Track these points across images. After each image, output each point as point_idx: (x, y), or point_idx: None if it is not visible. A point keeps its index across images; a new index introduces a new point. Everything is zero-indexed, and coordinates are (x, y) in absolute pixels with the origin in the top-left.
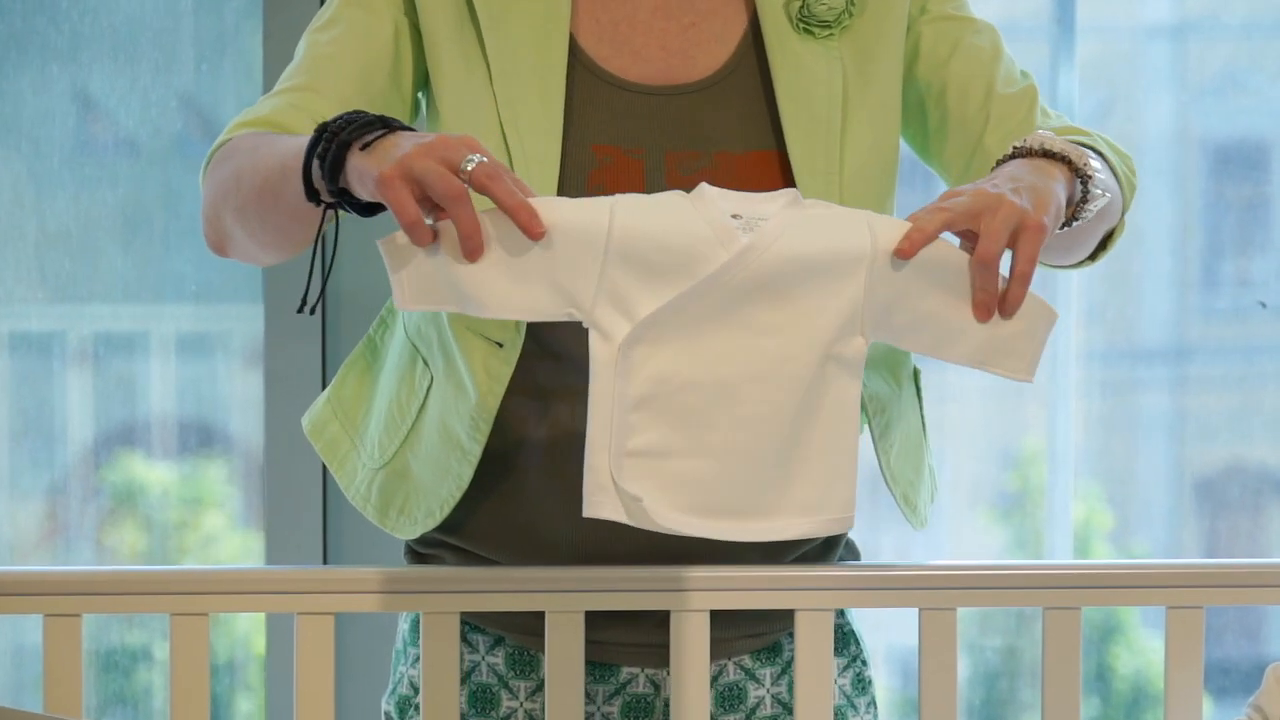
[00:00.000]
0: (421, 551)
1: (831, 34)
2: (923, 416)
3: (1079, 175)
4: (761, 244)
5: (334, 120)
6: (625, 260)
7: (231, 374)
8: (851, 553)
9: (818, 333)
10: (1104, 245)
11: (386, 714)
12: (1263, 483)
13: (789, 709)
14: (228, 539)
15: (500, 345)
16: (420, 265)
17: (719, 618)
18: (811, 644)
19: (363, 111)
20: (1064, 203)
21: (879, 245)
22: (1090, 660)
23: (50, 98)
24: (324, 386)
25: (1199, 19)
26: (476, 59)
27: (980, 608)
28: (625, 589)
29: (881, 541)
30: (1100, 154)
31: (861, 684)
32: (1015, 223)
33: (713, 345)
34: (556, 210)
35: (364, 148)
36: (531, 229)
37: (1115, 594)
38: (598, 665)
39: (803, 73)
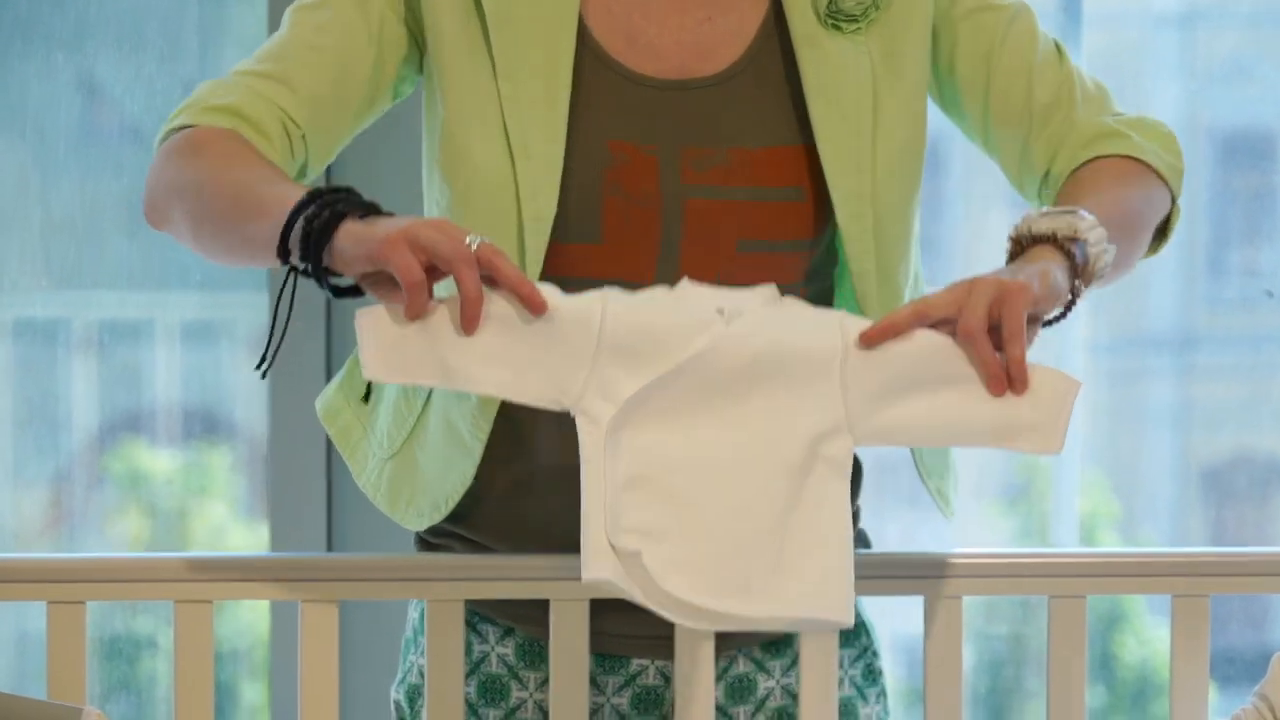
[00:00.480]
0: (431, 541)
1: (859, 28)
2: None
3: (1062, 249)
4: (738, 334)
5: (328, 190)
6: (616, 349)
7: (236, 362)
8: (862, 542)
9: (798, 426)
10: (1163, 233)
11: (396, 703)
12: (1269, 472)
13: (795, 699)
14: (232, 526)
15: None
16: (403, 338)
17: None
18: (817, 631)
19: (355, 190)
20: (1058, 275)
21: (849, 341)
22: (1095, 649)
23: (55, 85)
24: (328, 374)
25: (1207, 8)
26: (481, 55)
27: (986, 596)
28: None
29: (887, 529)
30: (1135, 157)
31: (872, 675)
32: (993, 294)
33: (697, 431)
34: (552, 297)
35: (361, 218)
36: (534, 304)
37: (1121, 582)
38: (607, 657)
39: (832, 69)
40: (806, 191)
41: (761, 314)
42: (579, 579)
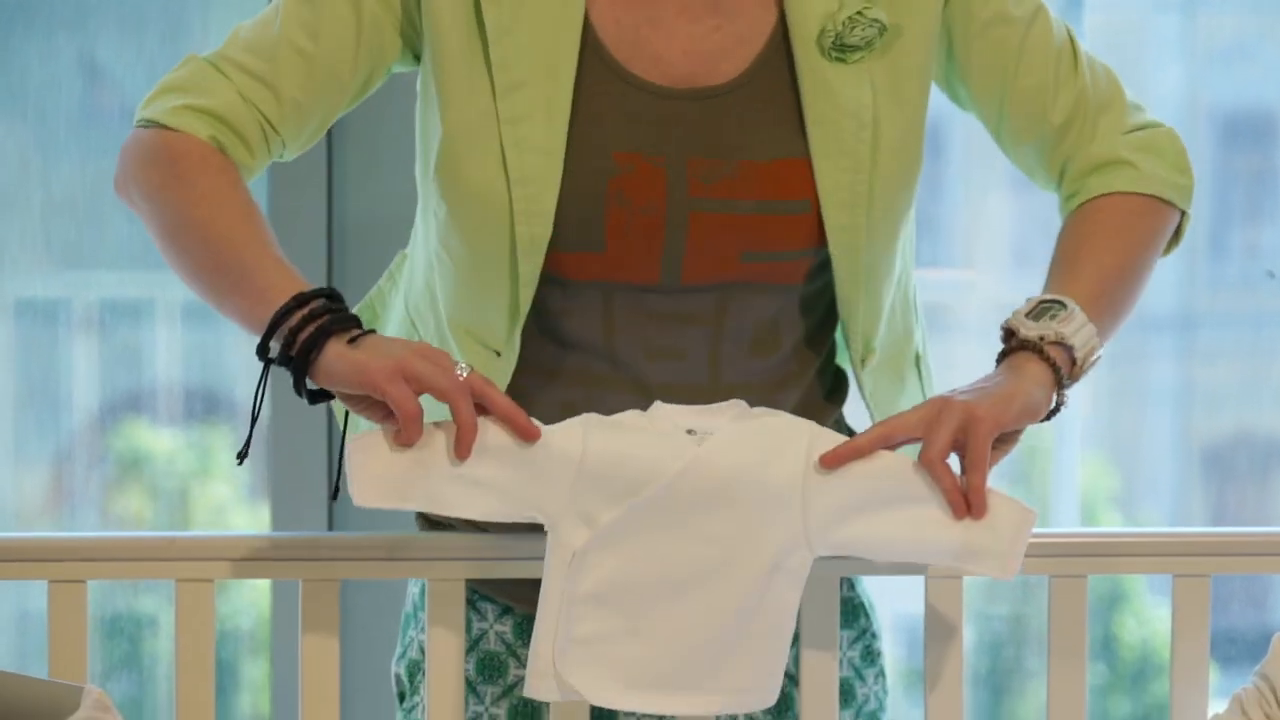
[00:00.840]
0: (433, 519)
1: (863, 56)
2: (925, 396)
3: (1047, 358)
4: (707, 457)
5: (312, 295)
6: (594, 482)
7: (237, 341)
8: None
9: (761, 544)
10: (1175, 236)
11: (396, 676)
12: (1270, 452)
13: (795, 680)
14: (233, 506)
15: (498, 354)
16: (393, 465)
17: None
18: (817, 611)
19: (337, 294)
20: (1037, 393)
21: (812, 462)
22: (1096, 628)
23: (57, 66)
24: None
25: None
26: (481, 71)
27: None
28: None
29: None
30: (1141, 193)
31: (870, 656)
32: (959, 421)
33: (662, 550)
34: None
35: (351, 341)
36: (527, 433)
37: (1121, 562)
38: None
39: (833, 103)
40: (812, 203)
41: (730, 433)
42: None
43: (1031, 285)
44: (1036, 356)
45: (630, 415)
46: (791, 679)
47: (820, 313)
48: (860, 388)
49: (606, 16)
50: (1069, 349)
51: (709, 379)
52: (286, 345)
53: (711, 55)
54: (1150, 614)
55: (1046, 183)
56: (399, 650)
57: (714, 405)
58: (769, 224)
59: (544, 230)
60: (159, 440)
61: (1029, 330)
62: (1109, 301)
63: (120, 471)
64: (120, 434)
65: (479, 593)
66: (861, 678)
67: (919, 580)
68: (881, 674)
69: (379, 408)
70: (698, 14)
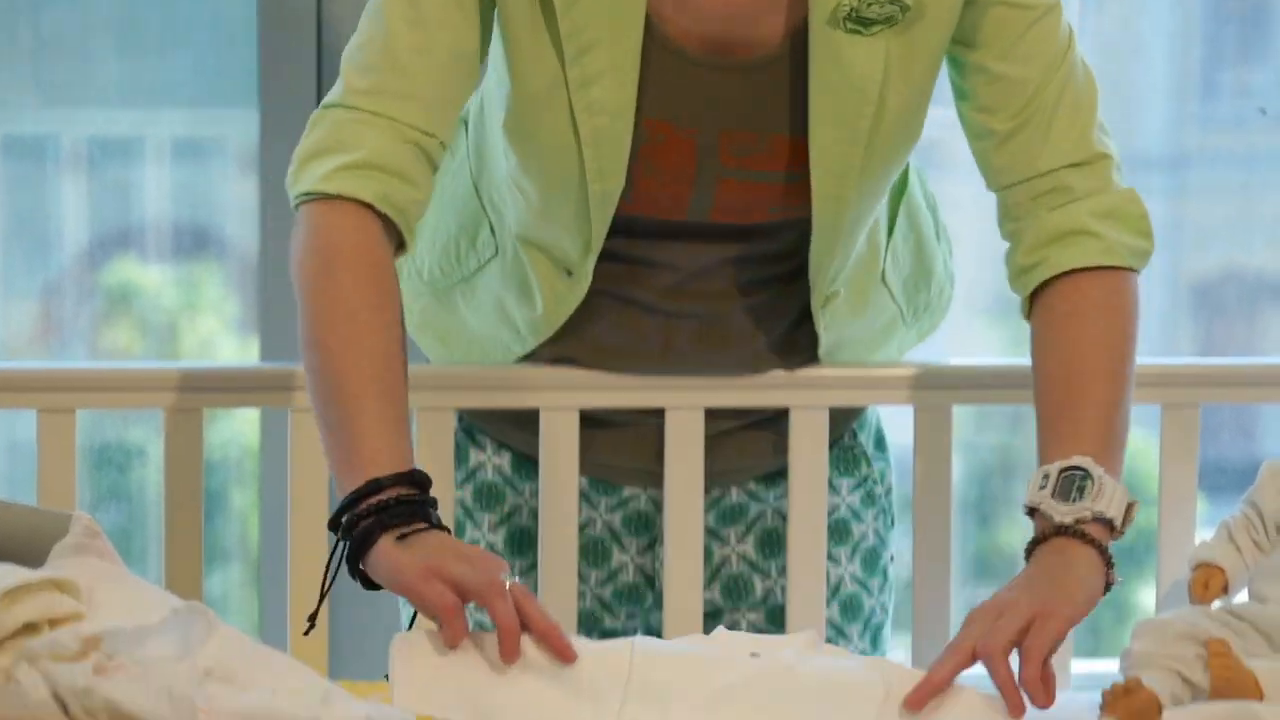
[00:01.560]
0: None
1: (881, 30)
2: (899, 305)
3: (1090, 542)
4: (776, 669)
5: (391, 489)
6: (646, 689)
7: (227, 178)
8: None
9: None
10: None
11: None
12: (1258, 288)
13: (785, 518)
14: (223, 341)
15: (569, 273)
16: (437, 672)
17: (726, 447)
18: (806, 442)
19: (421, 478)
20: (1094, 582)
21: (892, 694)
22: None
23: None
24: None
25: None
26: (545, 36)
27: (975, 405)
28: (620, 388)
29: None
30: (1111, 266)
31: (871, 499)
32: (1025, 619)
33: None
34: (581, 645)
35: (400, 537)
36: (564, 654)
37: None
38: (600, 481)
39: (841, 73)
40: None
41: (796, 660)
42: (569, 389)
43: None
44: (1078, 541)
45: (689, 638)
46: (784, 518)
47: None
48: (816, 322)
49: None
50: (1108, 522)
51: (729, 288)
52: (348, 527)
53: (750, 17)
54: (1138, 445)
55: (990, 181)
56: None
57: (781, 636)
58: (796, 189)
59: (616, 185)
60: (148, 275)
61: (1063, 515)
62: (1118, 441)
63: (109, 306)
64: (109, 269)
65: (476, 426)
66: (859, 518)
67: (909, 410)
68: (883, 513)
69: None
70: None
